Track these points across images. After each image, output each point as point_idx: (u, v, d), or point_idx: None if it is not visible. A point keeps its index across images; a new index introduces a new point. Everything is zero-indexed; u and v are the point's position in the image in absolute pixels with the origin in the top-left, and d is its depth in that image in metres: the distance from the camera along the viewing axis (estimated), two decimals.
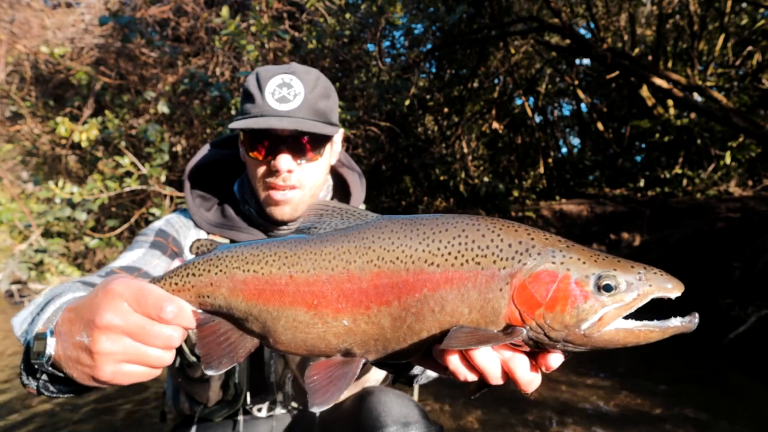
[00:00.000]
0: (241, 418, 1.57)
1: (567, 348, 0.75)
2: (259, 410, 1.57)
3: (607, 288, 0.71)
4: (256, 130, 1.41)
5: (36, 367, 0.88)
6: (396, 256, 0.78)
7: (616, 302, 0.71)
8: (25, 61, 8.22)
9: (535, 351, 0.77)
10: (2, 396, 4.10)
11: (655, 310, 0.76)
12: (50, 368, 0.87)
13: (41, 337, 0.86)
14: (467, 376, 0.77)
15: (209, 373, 0.87)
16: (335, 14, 7.10)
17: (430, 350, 0.80)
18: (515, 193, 10.02)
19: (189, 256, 1.56)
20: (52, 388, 0.94)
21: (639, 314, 0.74)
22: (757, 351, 4.70)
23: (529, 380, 0.77)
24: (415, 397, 2.08)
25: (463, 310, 0.75)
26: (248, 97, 1.44)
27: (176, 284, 0.90)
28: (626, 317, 0.73)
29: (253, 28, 6.33)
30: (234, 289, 0.86)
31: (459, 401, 3.79)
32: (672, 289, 0.72)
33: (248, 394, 1.53)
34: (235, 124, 1.40)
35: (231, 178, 1.68)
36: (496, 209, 8.96)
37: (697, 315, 0.71)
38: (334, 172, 1.70)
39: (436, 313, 0.76)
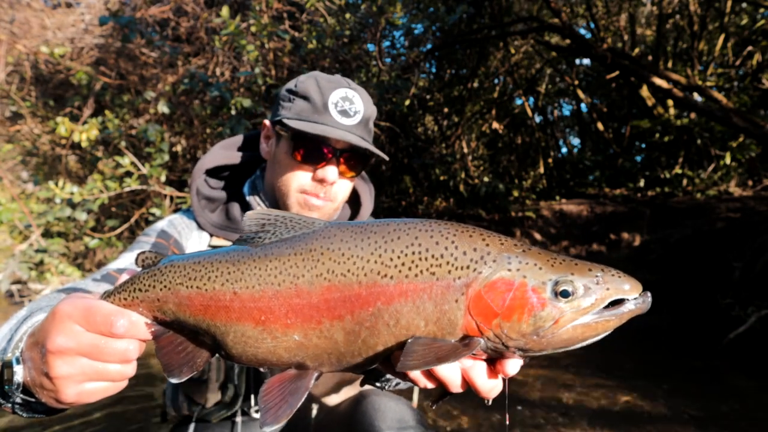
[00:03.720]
0: (239, 419, 1.57)
1: (526, 354, 0.74)
2: (257, 411, 1.57)
3: (565, 294, 0.70)
4: (310, 136, 1.41)
5: (8, 393, 0.88)
6: (347, 269, 0.75)
7: (574, 308, 0.70)
8: (25, 61, 8.22)
9: (494, 358, 0.76)
10: None
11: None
12: (21, 395, 0.87)
13: (9, 365, 0.86)
14: (427, 384, 0.77)
15: (172, 381, 0.87)
16: (335, 14, 7.10)
17: (389, 357, 0.79)
18: (515, 193, 10.01)
19: None
20: (27, 410, 0.93)
21: None
22: (757, 351, 4.71)
23: (490, 388, 0.77)
24: (415, 401, 2.08)
25: (419, 323, 0.73)
26: (306, 99, 1.44)
27: (125, 299, 0.89)
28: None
29: (253, 28, 6.33)
30: (180, 304, 0.85)
31: (459, 402, 3.79)
32: (630, 290, 0.71)
33: (240, 399, 1.52)
34: (299, 125, 1.39)
35: (239, 179, 1.67)
36: (496, 209, 8.96)
37: (649, 294, 0.71)
38: None
39: (391, 327, 0.74)
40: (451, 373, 0.75)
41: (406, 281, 0.73)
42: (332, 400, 1.58)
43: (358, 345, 0.77)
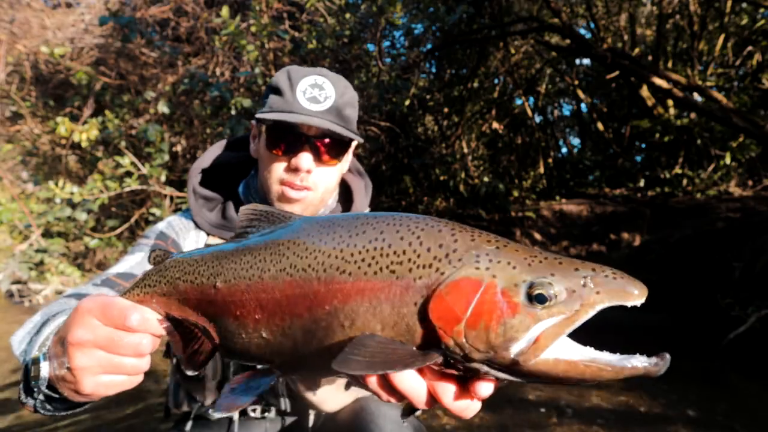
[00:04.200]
0: (236, 416, 1.58)
1: (495, 374, 0.63)
2: (253, 411, 1.58)
3: (541, 298, 0.58)
4: (281, 126, 1.40)
5: (34, 389, 0.93)
6: (308, 264, 0.71)
7: (554, 316, 0.58)
8: (25, 61, 8.23)
9: (464, 374, 0.66)
10: (3, 396, 4.11)
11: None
12: (47, 390, 0.93)
13: (36, 362, 0.93)
14: (389, 398, 0.69)
15: (188, 373, 0.90)
16: (335, 14, 7.11)
17: None
18: (515, 193, 10.02)
19: None
20: (48, 407, 0.98)
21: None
22: (757, 351, 4.70)
23: (462, 408, 0.68)
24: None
25: (375, 326, 0.66)
26: (276, 92, 1.43)
27: (138, 295, 0.92)
28: (572, 336, 0.60)
29: (253, 28, 6.34)
30: (181, 299, 0.87)
31: None
32: (631, 295, 0.58)
33: None
34: (266, 116, 1.39)
35: (237, 179, 1.68)
36: (496, 209, 8.97)
37: (667, 356, 0.59)
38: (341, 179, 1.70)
39: (346, 329, 0.67)
40: (413, 387, 0.66)
41: (364, 278, 0.66)
42: (329, 407, 1.58)
43: (315, 346, 0.71)
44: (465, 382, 0.66)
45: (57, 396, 0.93)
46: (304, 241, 0.74)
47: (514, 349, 0.59)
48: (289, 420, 1.63)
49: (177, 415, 1.67)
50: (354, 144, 1.56)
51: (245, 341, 0.79)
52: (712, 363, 4.65)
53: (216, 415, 0.76)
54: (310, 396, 1.49)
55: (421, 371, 0.66)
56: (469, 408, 0.68)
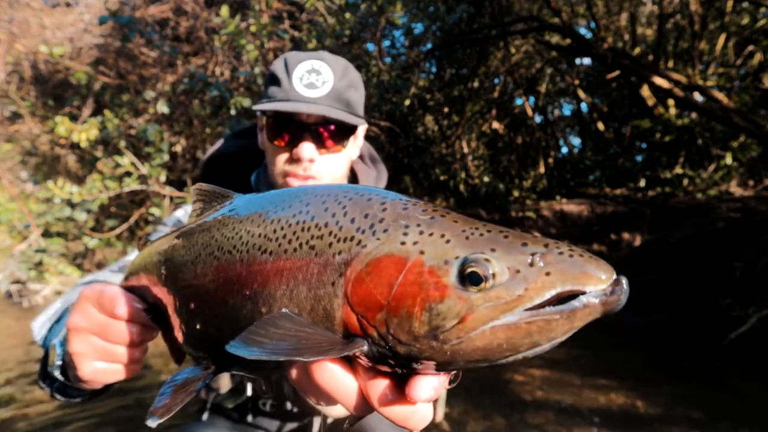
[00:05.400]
0: (249, 408, 1.60)
1: (427, 368, 0.51)
2: (264, 405, 1.58)
3: (475, 279, 0.47)
4: (280, 116, 1.37)
5: (50, 374, 0.99)
6: (233, 245, 0.64)
7: (490, 301, 0.47)
8: (24, 60, 8.22)
9: (400, 372, 0.54)
10: (13, 393, 4.09)
11: None
12: (61, 377, 0.96)
13: (53, 347, 0.98)
14: (312, 397, 0.59)
15: (177, 365, 0.87)
16: (335, 14, 7.10)
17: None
18: (515, 193, 10.01)
19: None
20: (63, 393, 1.02)
21: None
22: (758, 351, 4.69)
23: (402, 415, 0.53)
24: (440, 413, 2.05)
25: None
26: (274, 80, 1.39)
27: (127, 283, 0.91)
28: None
29: (252, 28, 6.33)
30: (150, 287, 0.84)
31: (459, 402, 3.77)
32: (591, 278, 0.45)
33: (248, 386, 1.54)
34: (260, 107, 1.37)
35: (249, 168, 1.65)
36: (497, 209, 8.96)
37: (623, 280, 0.46)
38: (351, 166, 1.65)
39: (264, 316, 0.58)
40: (339, 384, 0.54)
41: (283, 257, 0.58)
42: (336, 413, 1.56)
43: None
44: (401, 381, 0.54)
45: (70, 383, 0.96)
46: (232, 220, 0.67)
47: (442, 336, 0.48)
48: (296, 422, 1.62)
49: (197, 404, 1.69)
50: (362, 129, 1.50)
51: (185, 333, 0.73)
52: (712, 363, 4.63)
53: (151, 424, 0.62)
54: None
55: (352, 367, 0.55)
56: (413, 416, 0.54)
